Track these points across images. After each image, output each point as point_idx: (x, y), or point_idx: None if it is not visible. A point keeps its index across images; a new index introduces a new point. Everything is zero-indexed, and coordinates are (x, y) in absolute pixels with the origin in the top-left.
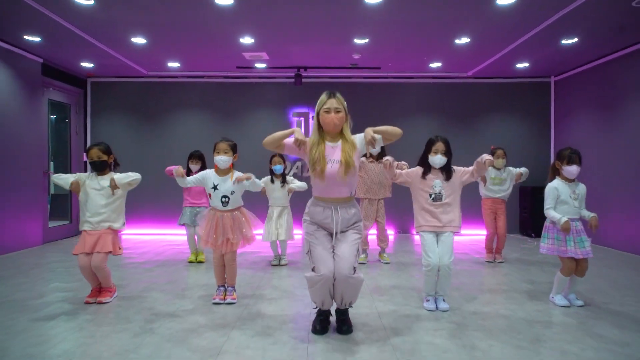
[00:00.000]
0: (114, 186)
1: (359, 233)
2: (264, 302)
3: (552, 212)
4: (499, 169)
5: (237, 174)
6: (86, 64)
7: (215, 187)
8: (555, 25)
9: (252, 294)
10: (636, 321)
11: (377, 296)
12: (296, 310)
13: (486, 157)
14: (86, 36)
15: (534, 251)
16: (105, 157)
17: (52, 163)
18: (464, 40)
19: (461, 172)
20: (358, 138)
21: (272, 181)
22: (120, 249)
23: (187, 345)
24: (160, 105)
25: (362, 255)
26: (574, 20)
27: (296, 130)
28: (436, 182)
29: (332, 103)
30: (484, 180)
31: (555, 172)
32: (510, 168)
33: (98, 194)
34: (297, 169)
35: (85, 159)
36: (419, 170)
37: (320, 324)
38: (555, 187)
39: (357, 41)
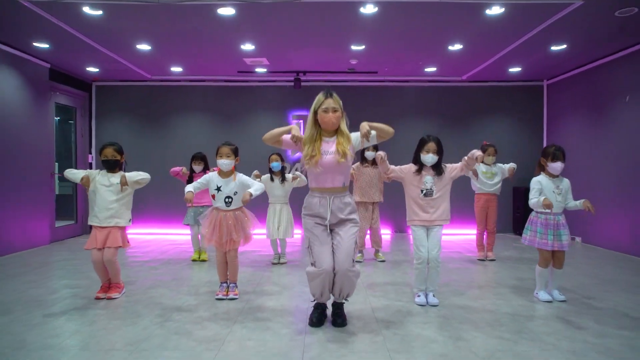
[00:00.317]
0: (124, 183)
1: (356, 226)
2: (264, 297)
3: (533, 199)
4: (489, 165)
5: (239, 176)
6: (92, 69)
7: (218, 189)
8: (543, 33)
9: (253, 290)
10: (613, 315)
11: (371, 292)
12: (294, 305)
13: (477, 153)
14: (93, 43)
15: (525, 250)
16: (118, 157)
17: (56, 164)
18: (456, 46)
19: (451, 169)
20: (354, 135)
21: (272, 179)
22: (127, 242)
23: (193, 337)
24: (163, 108)
25: (359, 254)
26: (561, 29)
27: (293, 128)
28: (427, 178)
29: (330, 103)
30: (476, 174)
31: (541, 168)
32: (500, 164)
33: (107, 190)
34: (296, 170)
35: (90, 160)
36: (412, 167)
37: (317, 317)
38: (538, 181)
39: (354, 47)
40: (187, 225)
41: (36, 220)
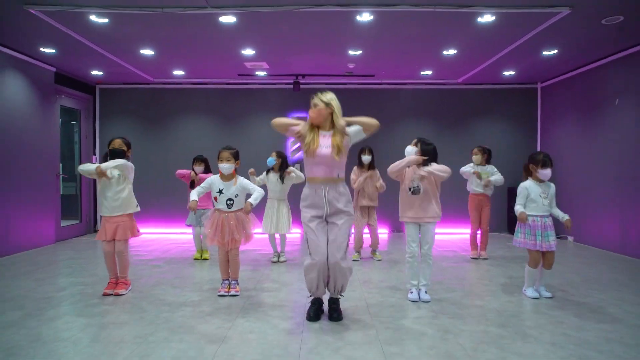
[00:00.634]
0: (99, 171)
1: (351, 218)
2: (264, 293)
3: (516, 207)
4: (478, 165)
5: (240, 179)
6: (96, 72)
7: (220, 192)
8: (534, 40)
9: (254, 287)
10: (594, 311)
11: (366, 289)
12: (293, 301)
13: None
14: (98, 49)
15: (517, 249)
16: (124, 148)
17: (60, 165)
18: (451, 51)
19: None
20: (351, 129)
21: (268, 172)
22: (137, 231)
23: (197, 331)
24: (166, 110)
25: (355, 254)
26: (551, 36)
27: (301, 124)
28: (414, 176)
29: (315, 100)
30: (479, 176)
31: (529, 174)
32: (493, 167)
33: (111, 182)
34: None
35: (94, 161)
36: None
37: (314, 312)
38: (526, 187)
39: (351, 52)
40: (190, 225)
41: (42, 220)
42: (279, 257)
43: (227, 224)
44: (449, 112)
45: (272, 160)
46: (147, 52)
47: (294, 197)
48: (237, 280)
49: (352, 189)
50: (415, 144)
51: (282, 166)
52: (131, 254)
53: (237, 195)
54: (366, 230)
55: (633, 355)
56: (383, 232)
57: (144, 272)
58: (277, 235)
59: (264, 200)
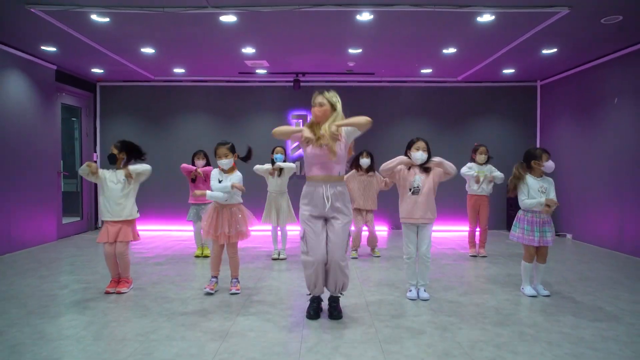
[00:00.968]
0: (127, 174)
1: (350, 218)
2: (264, 291)
3: (528, 201)
4: (481, 164)
5: (237, 173)
6: (96, 70)
7: (220, 183)
8: (533, 39)
9: (255, 284)
10: (591, 309)
11: (366, 287)
12: (293, 299)
13: (437, 159)
14: (99, 47)
15: (516, 247)
16: (115, 152)
17: (61, 162)
18: (450, 50)
19: (437, 170)
20: (345, 130)
21: (272, 163)
22: (137, 236)
23: (199, 328)
24: (166, 107)
25: (353, 252)
26: (550, 35)
27: (304, 130)
28: (416, 177)
29: (318, 99)
30: (478, 180)
31: (525, 170)
32: (492, 167)
33: (115, 186)
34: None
35: (95, 158)
36: (403, 159)
37: (314, 310)
38: (525, 183)
39: (351, 51)
40: (190, 221)
41: (44, 217)
42: (279, 254)
43: (221, 216)
44: (449, 110)
45: (280, 156)
46: (148, 50)
47: (294, 196)
48: (237, 279)
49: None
50: (425, 149)
51: (273, 162)
52: (132, 252)
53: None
54: (365, 228)
55: (628, 354)
56: (382, 230)
57: (145, 270)
58: (279, 232)
59: (264, 194)
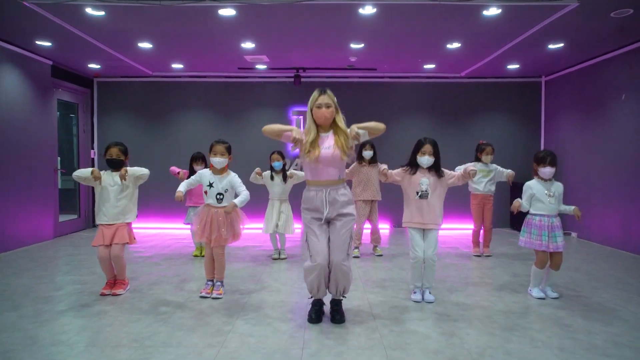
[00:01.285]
0: (123, 175)
1: (353, 219)
2: (264, 293)
3: (524, 204)
4: (486, 164)
5: (232, 175)
6: (93, 65)
7: (210, 185)
8: (540, 33)
9: (254, 286)
10: (601, 312)
11: (369, 288)
12: (294, 301)
13: (470, 168)
14: (95, 42)
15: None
16: (122, 158)
17: (58, 159)
18: (455, 45)
19: (449, 176)
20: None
21: (272, 178)
22: (134, 239)
23: (196, 333)
24: (164, 103)
25: (355, 250)
26: (558, 29)
27: (294, 130)
28: (423, 180)
29: (324, 99)
30: (473, 175)
31: (534, 173)
32: (497, 165)
33: (113, 189)
34: (296, 165)
35: (92, 155)
36: (403, 170)
37: (316, 314)
38: (530, 186)
39: (353, 46)
40: (188, 223)
41: (41, 215)
42: (279, 254)
43: (215, 219)
44: (452, 106)
45: (279, 164)
46: (145, 45)
47: (295, 198)
48: (222, 282)
49: (349, 181)
50: (432, 153)
51: (284, 167)
52: (130, 251)
53: (227, 190)
54: (367, 225)
55: None
56: (384, 228)
57: (142, 270)
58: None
59: (265, 200)
